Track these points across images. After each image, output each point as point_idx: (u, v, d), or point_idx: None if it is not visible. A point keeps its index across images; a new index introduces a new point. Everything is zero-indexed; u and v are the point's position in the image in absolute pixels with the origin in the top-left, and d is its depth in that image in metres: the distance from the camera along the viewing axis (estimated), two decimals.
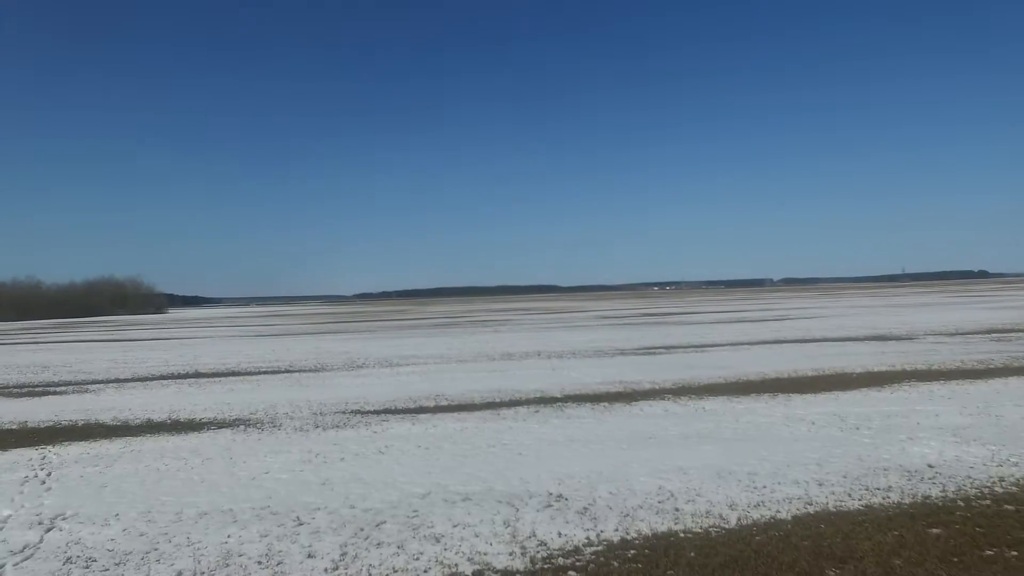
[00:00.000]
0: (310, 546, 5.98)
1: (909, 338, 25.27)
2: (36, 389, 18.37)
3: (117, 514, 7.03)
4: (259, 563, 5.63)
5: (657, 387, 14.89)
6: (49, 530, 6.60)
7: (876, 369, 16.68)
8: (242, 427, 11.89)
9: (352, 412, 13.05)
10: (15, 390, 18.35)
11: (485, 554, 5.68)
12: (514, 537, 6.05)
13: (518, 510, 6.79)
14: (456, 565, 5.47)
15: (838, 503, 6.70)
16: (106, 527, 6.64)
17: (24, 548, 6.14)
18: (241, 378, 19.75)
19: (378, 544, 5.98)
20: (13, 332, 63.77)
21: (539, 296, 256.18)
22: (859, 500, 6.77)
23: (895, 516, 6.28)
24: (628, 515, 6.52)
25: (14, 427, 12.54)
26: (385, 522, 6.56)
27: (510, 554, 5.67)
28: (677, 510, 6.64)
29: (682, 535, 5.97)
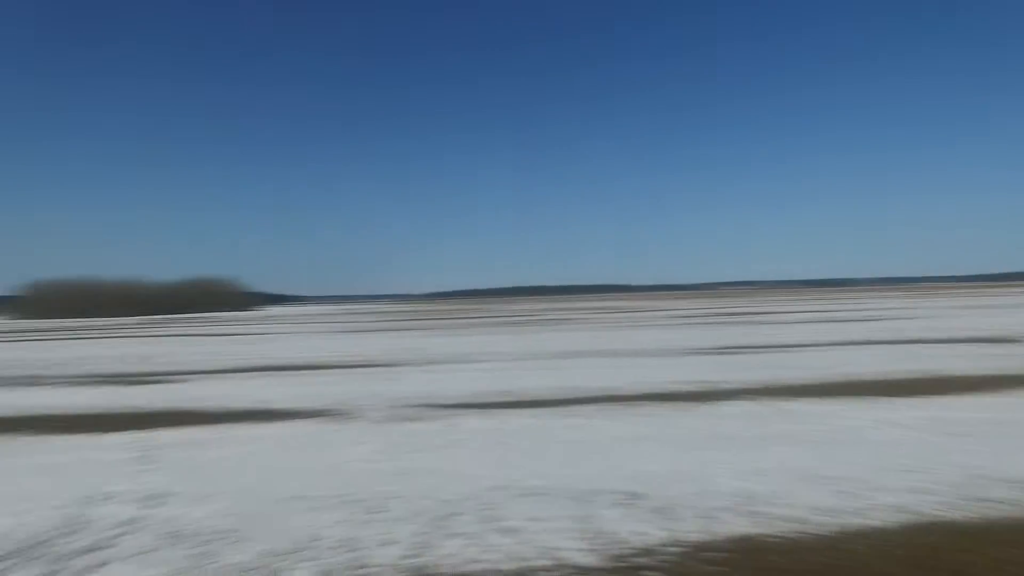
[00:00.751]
0: (387, 532, 6.15)
1: (1014, 340, 23.23)
2: (143, 378, 19.85)
3: (210, 494, 7.50)
4: (338, 547, 5.85)
5: (734, 387, 14.37)
6: (151, 506, 7.13)
7: (977, 373, 15.44)
8: (323, 418, 12.40)
9: (425, 406, 13.34)
10: (123, 379, 19.90)
11: (558, 548, 5.66)
12: (587, 533, 6.00)
13: (591, 506, 6.73)
14: (529, 558, 5.48)
15: (934, 512, 6.24)
16: (201, 506, 7.10)
17: (132, 521, 6.65)
18: (322, 371, 20.61)
19: (452, 534, 6.08)
20: (120, 326, 69.26)
21: (609, 295, 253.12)
22: (958, 511, 6.28)
23: (1000, 530, 5.79)
24: (707, 516, 6.33)
25: (125, 412, 13.61)
26: (458, 513, 6.66)
27: (581, 550, 5.62)
28: (759, 513, 6.38)
29: (765, 539, 5.74)
